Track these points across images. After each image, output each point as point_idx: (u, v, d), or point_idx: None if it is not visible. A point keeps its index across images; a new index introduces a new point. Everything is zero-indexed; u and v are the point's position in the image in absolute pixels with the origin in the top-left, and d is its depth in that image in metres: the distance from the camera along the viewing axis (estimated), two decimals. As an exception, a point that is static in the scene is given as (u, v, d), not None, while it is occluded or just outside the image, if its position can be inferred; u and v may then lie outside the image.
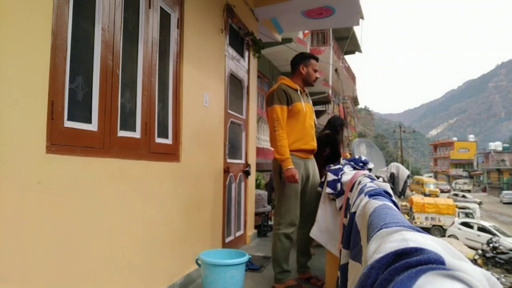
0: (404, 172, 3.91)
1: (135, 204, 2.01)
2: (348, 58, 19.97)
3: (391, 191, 1.19)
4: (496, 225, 16.57)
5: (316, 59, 2.84)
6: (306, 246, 2.81)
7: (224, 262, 2.15)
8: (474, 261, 10.37)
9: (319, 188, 2.65)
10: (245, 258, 2.25)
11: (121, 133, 1.94)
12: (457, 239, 15.01)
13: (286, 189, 2.56)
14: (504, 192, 37.54)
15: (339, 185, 2.29)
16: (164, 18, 2.42)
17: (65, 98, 1.55)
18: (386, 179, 3.81)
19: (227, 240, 3.46)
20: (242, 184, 3.92)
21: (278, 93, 2.58)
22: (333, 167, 2.47)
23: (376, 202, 0.90)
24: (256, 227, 4.44)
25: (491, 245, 11.67)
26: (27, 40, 1.35)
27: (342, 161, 2.59)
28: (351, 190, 1.79)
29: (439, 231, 17.02)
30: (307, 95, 2.83)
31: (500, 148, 51.85)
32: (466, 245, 13.50)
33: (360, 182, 1.58)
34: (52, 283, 1.45)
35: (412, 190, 30.67)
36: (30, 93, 1.36)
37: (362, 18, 10.63)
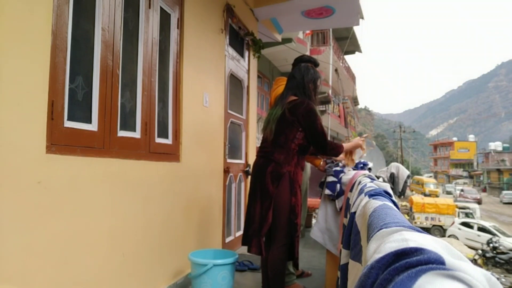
0: (404, 172, 3.91)
1: (135, 204, 2.01)
2: (348, 58, 19.97)
3: (391, 191, 1.19)
4: (496, 225, 16.57)
5: (317, 64, 2.79)
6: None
7: (214, 262, 2.11)
8: (474, 261, 10.38)
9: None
10: (235, 258, 2.23)
11: (121, 133, 1.94)
12: (457, 239, 15.01)
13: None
14: (504, 192, 37.50)
15: (338, 186, 2.29)
16: (164, 18, 2.42)
17: (65, 98, 1.55)
18: (386, 179, 3.81)
19: (227, 240, 3.46)
20: (242, 184, 3.92)
21: None
22: (334, 168, 2.47)
23: (376, 202, 0.90)
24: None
25: (491, 245, 11.67)
26: (27, 40, 1.35)
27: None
28: (351, 190, 1.79)
29: (439, 231, 17.01)
30: None
31: (500, 148, 51.85)
32: (466, 245, 13.51)
33: (360, 182, 1.58)
34: (52, 283, 1.45)
35: (412, 190, 30.63)
36: (30, 93, 1.37)
37: (362, 18, 10.63)
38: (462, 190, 35.26)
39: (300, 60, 2.76)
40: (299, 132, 2.09)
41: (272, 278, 2.07)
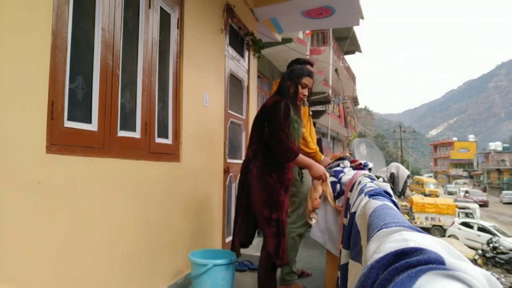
0: (404, 172, 3.92)
1: (135, 204, 2.01)
2: (348, 58, 19.96)
3: (391, 191, 1.19)
4: (496, 225, 16.57)
5: (311, 65, 2.85)
6: None
7: (214, 262, 2.10)
8: (474, 261, 10.38)
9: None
10: (235, 258, 2.23)
11: (121, 133, 1.94)
12: (457, 239, 15.01)
13: (305, 190, 2.63)
14: (504, 192, 37.47)
15: (338, 186, 2.28)
16: (164, 18, 2.42)
17: (65, 98, 1.55)
18: (386, 179, 3.81)
19: (227, 240, 3.46)
20: (242, 184, 3.92)
21: None
22: (334, 168, 2.47)
23: (376, 202, 0.90)
24: (256, 227, 4.44)
25: (491, 245, 11.68)
26: (27, 40, 1.35)
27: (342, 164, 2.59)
28: (351, 190, 1.79)
29: (439, 231, 17.02)
30: None
31: (500, 148, 51.83)
32: (466, 245, 13.51)
33: (360, 182, 1.58)
34: (52, 283, 1.45)
35: (412, 190, 30.60)
36: (30, 93, 1.36)
37: (362, 18, 10.64)
38: (467, 192, 32.65)
39: (298, 62, 2.81)
40: (266, 128, 2.04)
41: (261, 277, 2.06)
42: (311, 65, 2.84)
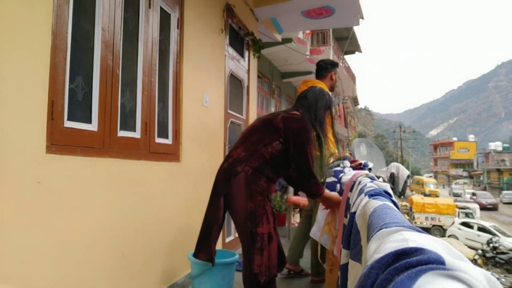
0: (404, 172, 3.91)
1: (135, 204, 2.01)
2: (348, 58, 19.95)
3: (391, 191, 1.19)
4: (496, 225, 16.57)
5: (338, 66, 2.98)
6: None
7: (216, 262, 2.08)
8: (474, 261, 10.38)
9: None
10: (235, 258, 2.23)
11: (121, 133, 1.94)
12: (457, 239, 15.01)
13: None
14: (504, 192, 37.46)
15: (338, 186, 2.28)
16: (164, 18, 2.42)
17: (65, 98, 1.55)
18: (386, 179, 3.81)
19: (227, 240, 3.46)
20: (242, 184, 3.92)
21: None
22: (334, 168, 2.47)
23: (376, 202, 0.90)
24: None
25: (491, 245, 11.68)
26: (27, 40, 1.35)
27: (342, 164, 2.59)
28: (351, 190, 1.79)
29: (439, 231, 17.01)
30: None
31: (500, 148, 51.81)
32: (466, 245, 13.51)
33: (360, 182, 1.58)
34: (52, 283, 1.45)
35: (412, 190, 30.59)
36: (30, 93, 1.37)
37: (362, 18, 10.63)
38: (473, 194, 30.08)
39: (331, 63, 2.85)
40: (278, 142, 1.78)
41: None
42: (337, 66, 2.94)
